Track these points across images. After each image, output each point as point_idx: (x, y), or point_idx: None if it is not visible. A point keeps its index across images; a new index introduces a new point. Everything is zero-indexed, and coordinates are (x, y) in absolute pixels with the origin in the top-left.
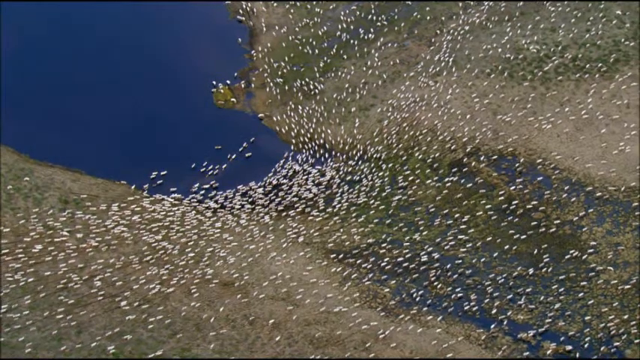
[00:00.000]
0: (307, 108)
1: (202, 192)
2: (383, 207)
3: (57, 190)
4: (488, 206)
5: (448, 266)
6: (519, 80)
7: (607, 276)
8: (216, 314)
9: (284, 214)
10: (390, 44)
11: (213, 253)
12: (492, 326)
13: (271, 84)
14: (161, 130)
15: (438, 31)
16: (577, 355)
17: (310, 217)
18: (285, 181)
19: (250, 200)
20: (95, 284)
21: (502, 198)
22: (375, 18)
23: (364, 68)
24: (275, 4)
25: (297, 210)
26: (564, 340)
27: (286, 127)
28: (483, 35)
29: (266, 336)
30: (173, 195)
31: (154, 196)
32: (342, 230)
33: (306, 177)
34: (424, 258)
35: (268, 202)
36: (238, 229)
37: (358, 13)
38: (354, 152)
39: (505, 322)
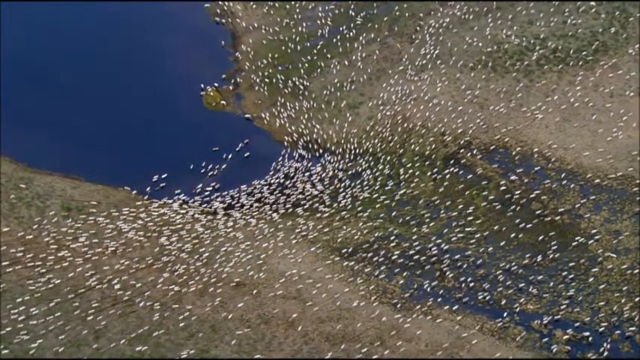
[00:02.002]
0: (297, 107)
1: (207, 193)
2: (387, 201)
3: (58, 198)
4: (491, 197)
5: (457, 257)
6: (503, 73)
7: (611, 263)
8: (230, 315)
9: (291, 211)
10: (371, 42)
11: (227, 253)
12: (504, 316)
13: (259, 85)
14: (154, 134)
15: (418, 28)
16: (590, 340)
17: (318, 214)
18: (287, 179)
19: (257, 199)
20: (110, 289)
21: (500, 190)
22: (353, 16)
23: (349, 66)
24: (254, 6)
25: (305, 207)
26: (578, 327)
27: (278, 127)
28: (463, 30)
29: (282, 335)
30: (179, 197)
31: (163, 199)
32: (349, 226)
33: (308, 174)
34: (434, 251)
35: (274, 200)
36: (249, 228)
37: (337, 11)
38: (350, 148)
39: (517, 312)
